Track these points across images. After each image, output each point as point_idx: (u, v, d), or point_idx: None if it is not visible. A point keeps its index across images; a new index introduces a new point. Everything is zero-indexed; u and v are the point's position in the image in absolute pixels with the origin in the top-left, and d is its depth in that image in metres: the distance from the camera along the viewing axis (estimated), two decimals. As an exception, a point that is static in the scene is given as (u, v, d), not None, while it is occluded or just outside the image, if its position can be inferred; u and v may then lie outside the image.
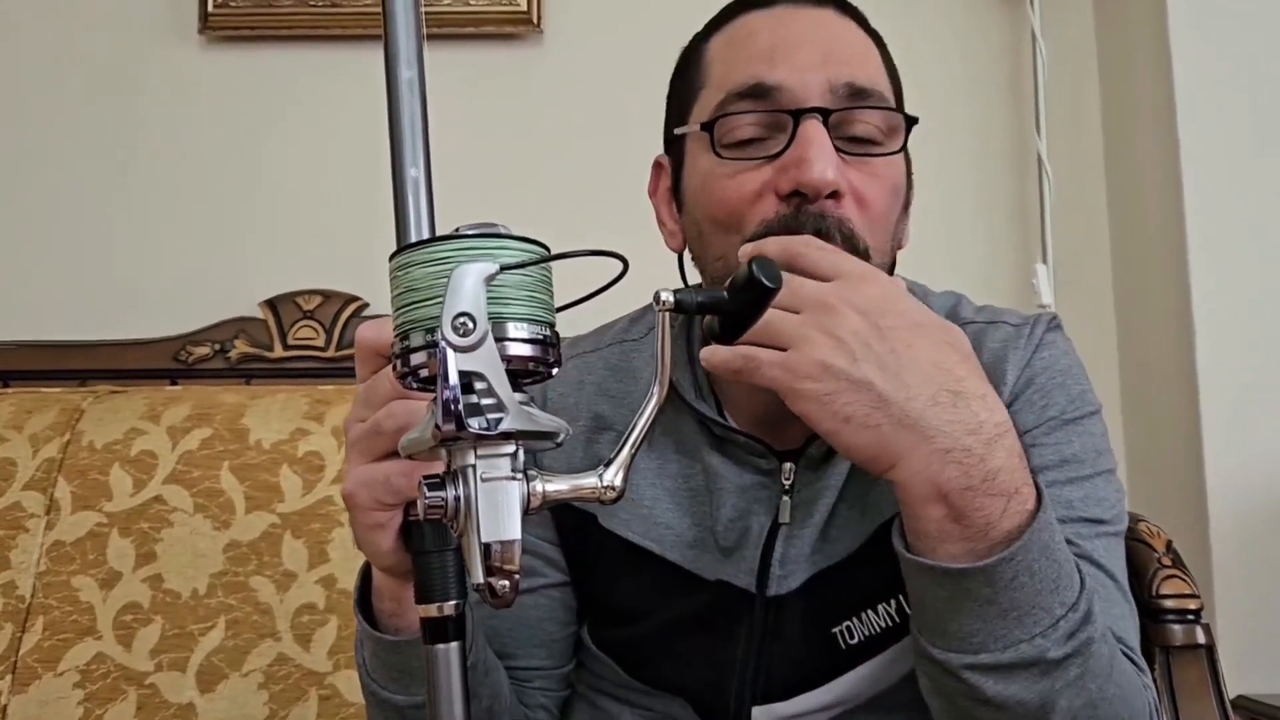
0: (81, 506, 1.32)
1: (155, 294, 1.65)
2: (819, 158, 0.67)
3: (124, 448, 1.35)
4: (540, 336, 0.46)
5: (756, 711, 0.74)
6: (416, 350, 0.46)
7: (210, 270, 1.67)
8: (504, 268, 0.45)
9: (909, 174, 0.77)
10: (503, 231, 0.47)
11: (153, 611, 1.27)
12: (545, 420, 0.47)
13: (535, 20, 1.68)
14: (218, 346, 1.60)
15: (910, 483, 0.58)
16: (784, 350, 0.59)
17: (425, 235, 0.50)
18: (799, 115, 0.69)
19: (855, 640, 0.73)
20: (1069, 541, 0.69)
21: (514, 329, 0.46)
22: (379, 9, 0.53)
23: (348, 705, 1.22)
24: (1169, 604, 0.84)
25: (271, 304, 1.61)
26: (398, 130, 0.51)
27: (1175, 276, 1.49)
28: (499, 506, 0.45)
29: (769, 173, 0.70)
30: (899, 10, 1.70)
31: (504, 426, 0.44)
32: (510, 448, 0.46)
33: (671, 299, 0.52)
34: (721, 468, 0.78)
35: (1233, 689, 1.37)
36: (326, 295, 1.62)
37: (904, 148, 0.75)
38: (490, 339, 0.44)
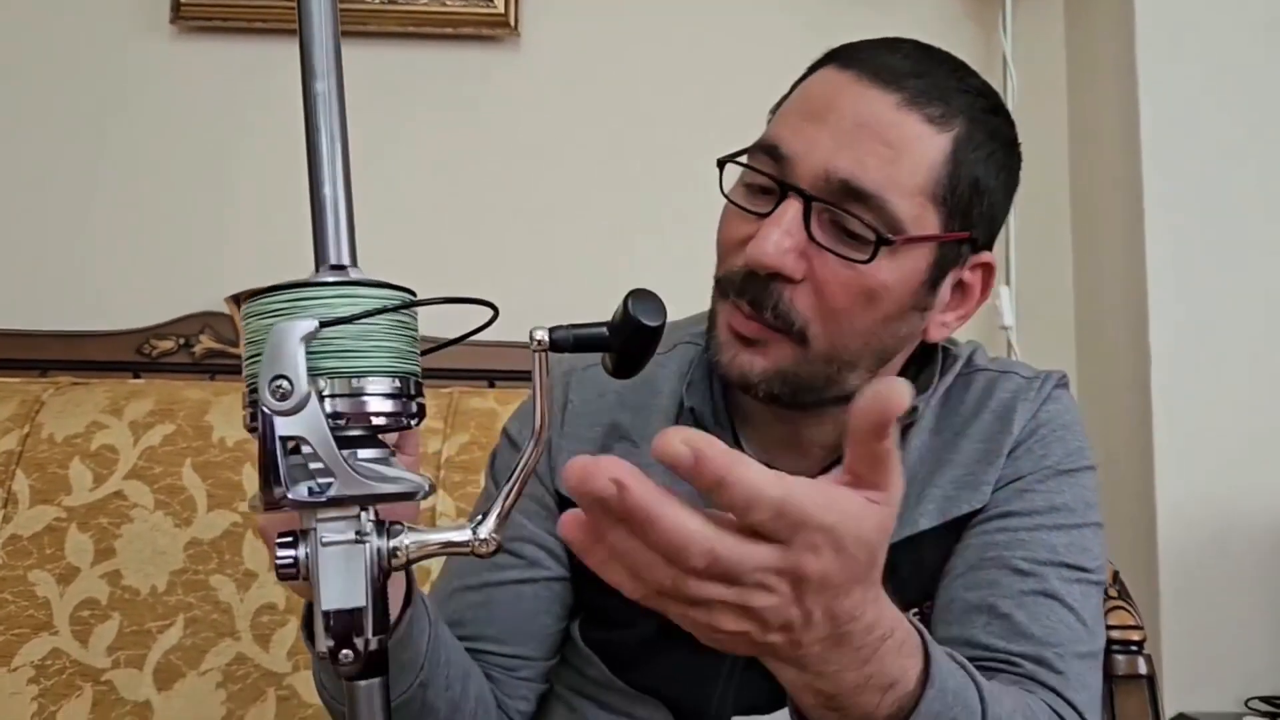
0: (40, 500, 1.31)
1: (119, 285, 1.64)
2: (767, 238, 0.68)
3: (84, 441, 1.34)
4: (391, 390, 0.44)
5: None
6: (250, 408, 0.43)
7: (177, 263, 1.65)
8: (323, 324, 0.42)
9: (932, 281, 0.74)
10: (332, 279, 0.44)
11: (110, 608, 1.26)
12: (394, 480, 0.44)
13: (512, 23, 1.68)
14: (182, 341, 1.58)
15: (782, 680, 0.53)
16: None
17: (345, 258, 0.47)
18: (785, 191, 0.70)
19: None
20: (1044, 581, 0.72)
21: (361, 384, 0.43)
22: (353, 4, 0.51)
23: (306, 706, 1.22)
24: (1114, 634, 0.87)
25: (238, 299, 1.60)
26: (315, 147, 0.48)
27: (1134, 308, 1.52)
28: (340, 573, 0.43)
29: (753, 230, 0.71)
30: (873, 31, 1.72)
31: (333, 492, 0.42)
32: (353, 510, 0.43)
33: (547, 338, 0.48)
34: None
35: (1173, 708, 1.42)
36: (294, 292, 1.61)
37: (875, 255, 0.70)
38: (313, 400, 0.42)
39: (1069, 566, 0.74)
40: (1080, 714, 0.68)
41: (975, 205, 0.73)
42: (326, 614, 0.42)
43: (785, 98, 0.78)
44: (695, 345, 0.84)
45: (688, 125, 1.71)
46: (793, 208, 0.69)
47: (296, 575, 0.43)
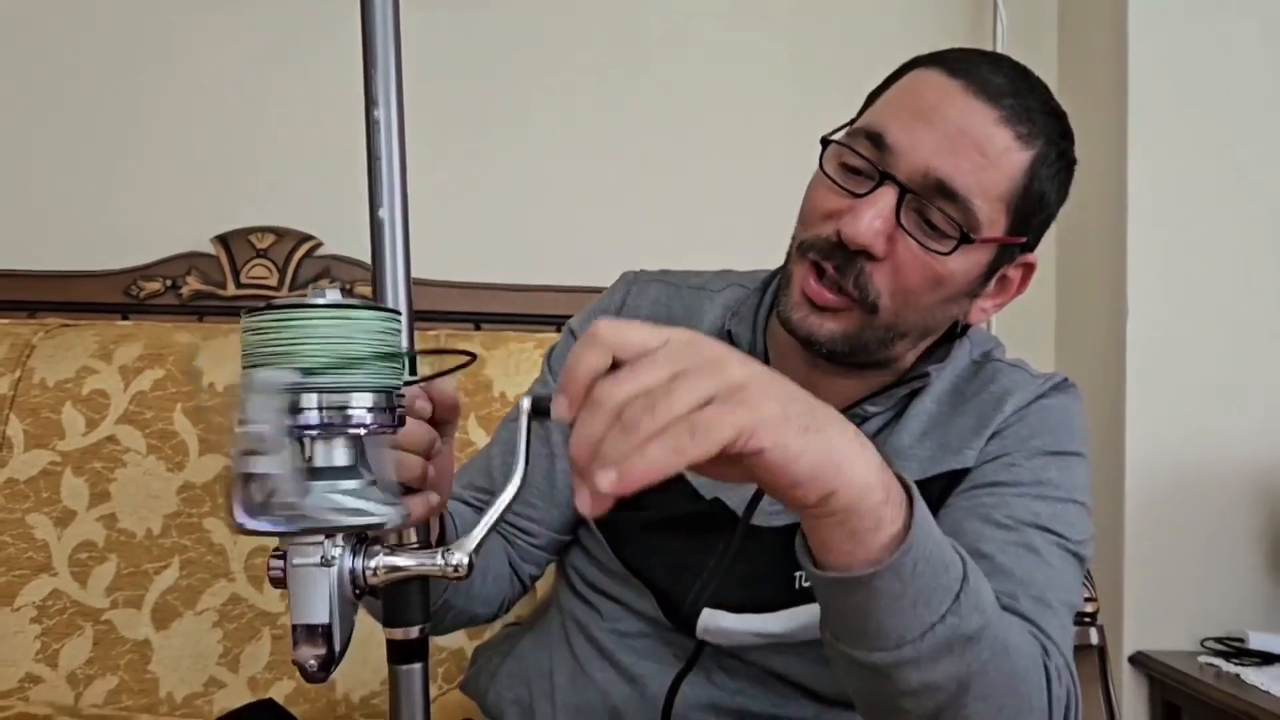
0: (34, 445, 1.33)
1: (106, 225, 1.63)
2: (862, 218, 0.76)
3: (75, 386, 1.36)
4: (372, 404, 0.46)
5: (706, 612, 0.84)
6: None
7: (162, 202, 1.64)
8: (304, 371, 0.44)
9: (987, 273, 0.81)
10: (323, 302, 0.45)
11: (108, 550, 1.30)
12: (353, 513, 0.46)
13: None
14: (169, 282, 1.59)
15: (856, 491, 0.54)
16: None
17: (399, 273, 0.52)
18: (883, 178, 0.77)
19: (808, 585, 0.80)
20: (1026, 536, 0.77)
21: (343, 399, 0.46)
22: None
23: (300, 645, 1.27)
24: (1069, 602, 0.90)
25: (224, 240, 1.60)
26: (374, 172, 0.53)
27: (1112, 260, 1.55)
28: (306, 592, 0.46)
29: (844, 206, 0.78)
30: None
31: (300, 525, 0.45)
32: (317, 538, 0.46)
33: (529, 405, 0.51)
34: None
35: (1132, 646, 1.49)
36: (280, 233, 1.60)
37: (957, 250, 0.77)
38: (285, 443, 0.44)
39: (1050, 531, 0.78)
40: (1056, 645, 0.72)
41: (1036, 214, 0.82)
42: (293, 626, 0.46)
43: (884, 87, 0.84)
44: (744, 288, 0.94)
45: (665, 75, 1.70)
46: (888, 194, 0.76)
47: (284, 585, 0.47)
